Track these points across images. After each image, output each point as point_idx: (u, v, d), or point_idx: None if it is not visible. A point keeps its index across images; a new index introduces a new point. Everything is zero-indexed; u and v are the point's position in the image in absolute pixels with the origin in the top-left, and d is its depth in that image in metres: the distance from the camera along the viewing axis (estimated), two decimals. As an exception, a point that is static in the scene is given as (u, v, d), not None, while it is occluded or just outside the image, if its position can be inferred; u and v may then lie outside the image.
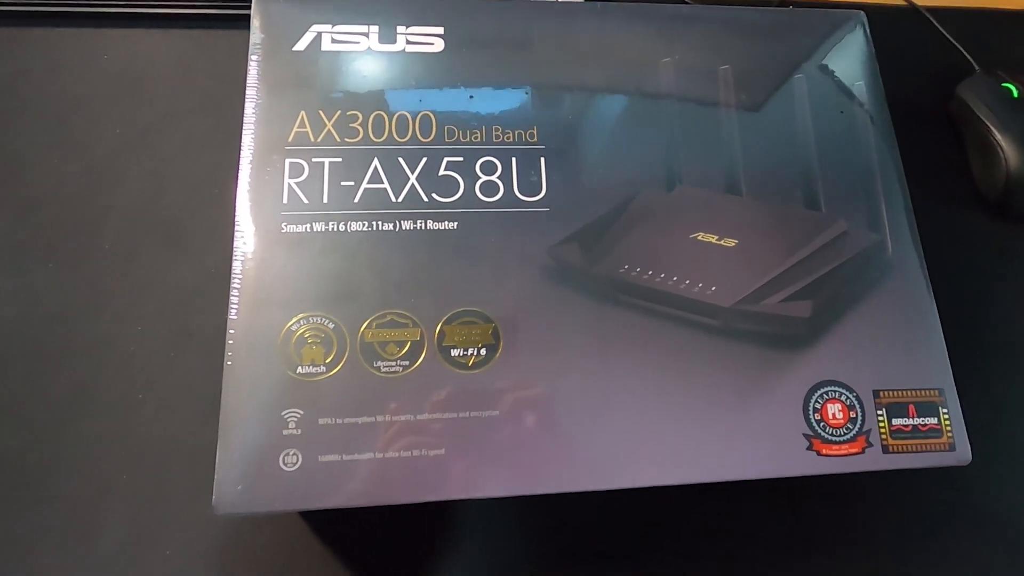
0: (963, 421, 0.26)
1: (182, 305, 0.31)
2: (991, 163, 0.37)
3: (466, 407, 0.23)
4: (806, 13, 0.31)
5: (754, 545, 0.29)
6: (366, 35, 0.27)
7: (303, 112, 0.26)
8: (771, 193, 0.28)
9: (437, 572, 0.27)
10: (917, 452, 0.25)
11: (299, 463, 0.22)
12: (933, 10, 0.42)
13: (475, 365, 0.24)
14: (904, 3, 0.43)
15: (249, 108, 0.26)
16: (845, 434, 0.25)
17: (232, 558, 0.27)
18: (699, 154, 0.28)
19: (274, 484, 0.22)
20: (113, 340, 0.30)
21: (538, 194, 0.26)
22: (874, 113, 0.30)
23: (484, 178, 0.26)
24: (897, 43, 0.41)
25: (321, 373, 0.23)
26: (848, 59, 0.30)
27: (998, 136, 0.37)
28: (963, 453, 0.26)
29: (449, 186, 0.26)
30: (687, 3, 0.38)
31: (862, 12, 0.31)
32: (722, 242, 0.27)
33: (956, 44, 0.41)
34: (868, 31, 0.31)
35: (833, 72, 0.30)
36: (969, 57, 0.40)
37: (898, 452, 0.25)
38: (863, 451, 0.25)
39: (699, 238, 0.27)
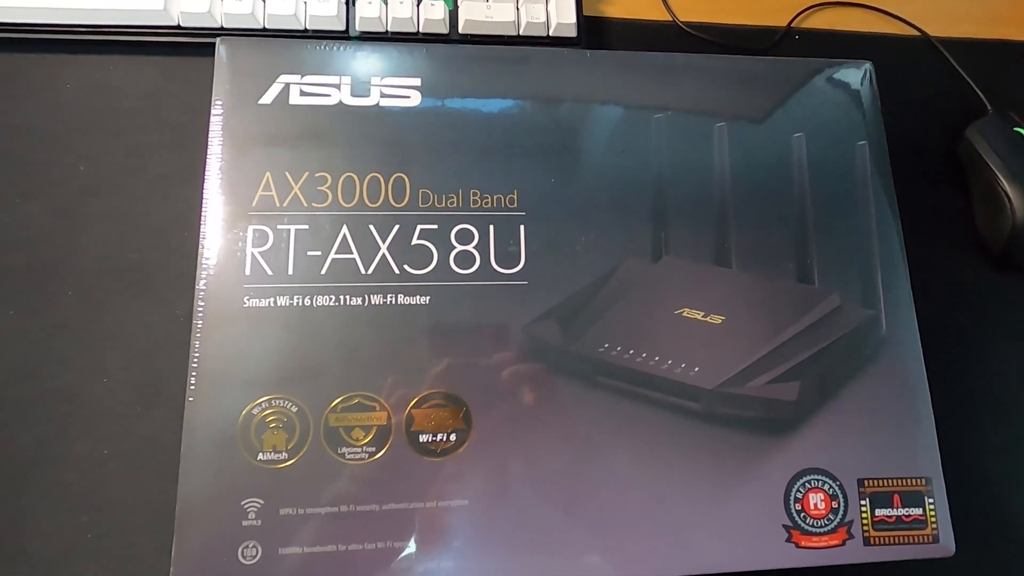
0: (948, 511, 0.25)
1: (149, 356, 0.30)
2: (996, 212, 0.36)
3: (434, 496, 0.23)
4: (808, 63, 0.29)
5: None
6: (337, 87, 0.26)
7: (268, 174, 0.25)
8: (762, 265, 0.26)
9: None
10: (899, 544, 0.25)
11: (259, 556, 0.22)
12: (948, 41, 0.40)
13: (444, 452, 0.23)
14: (917, 34, 0.41)
15: (212, 167, 0.24)
16: (826, 525, 0.24)
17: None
18: (688, 222, 0.26)
19: (232, 578, 0.22)
20: (78, 393, 0.29)
21: (516, 265, 0.25)
22: (876, 176, 0.28)
23: (459, 248, 0.25)
24: (908, 77, 0.39)
25: (283, 460, 0.22)
26: (852, 115, 0.29)
27: (1005, 184, 0.35)
28: (947, 544, 0.25)
29: (422, 257, 0.25)
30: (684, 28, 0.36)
31: (869, 62, 0.30)
32: (708, 319, 0.26)
33: (969, 80, 0.39)
34: (875, 82, 0.29)
35: (835, 130, 0.28)
36: (982, 96, 0.38)
37: (880, 544, 0.24)
38: (843, 543, 0.24)
39: (684, 314, 0.26)
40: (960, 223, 0.38)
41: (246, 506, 0.22)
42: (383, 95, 0.26)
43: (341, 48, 0.26)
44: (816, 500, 0.24)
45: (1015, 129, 0.37)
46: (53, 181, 0.32)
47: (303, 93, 0.25)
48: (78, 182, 0.32)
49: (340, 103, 0.26)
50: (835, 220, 0.27)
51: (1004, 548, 0.30)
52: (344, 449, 0.23)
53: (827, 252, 0.27)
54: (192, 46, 0.34)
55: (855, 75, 0.29)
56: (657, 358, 0.25)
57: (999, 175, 0.36)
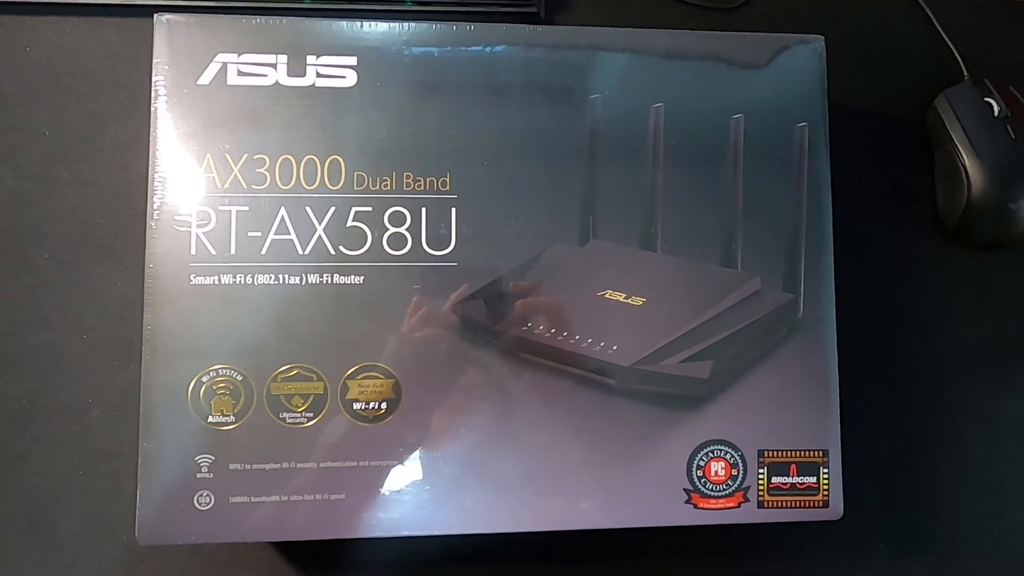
0: (841, 480, 0.27)
1: (122, 315, 0.33)
2: (954, 186, 0.35)
3: (366, 456, 0.25)
4: (754, 39, 0.28)
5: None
6: (274, 66, 0.26)
7: (209, 155, 0.26)
8: (687, 249, 0.27)
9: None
10: (791, 508, 0.27)
11: (212, 503, 0.25)
12: (933, 0, 0.38)
13: (376, 418, 0.26)
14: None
15: (154, 148, 0.26)
16: (724, 490, 0.27)
17: (176, 551, 0.31)
18: (617, 206, 0.27)
19: (189, 521, 0.25)
20: (61, 349, 0.32)
21: (447, 248, 0.26)
22: (813, 159, 0.28)
23: (392, 230, 0.26)
24: (890, 38, 0.37)
25: (231, 423, 0.25)
26: (797, 94, 0.28)
27: (964, 159, 0.34)
28: (835, 510, 0.27)
29: (356, 238, 0.26)
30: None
31: (821, 39, 0.29)
32: (630, 300, 0.27)
33: (950, 44, 0.37)
34: (824, 60, 0.29)
35: (777, 111, 0.28)
36: (960, 61, 0.37)
37: (772, 508, 0.27)
38: (739, 506, 0.27)
39: (607, 296, 0.27)
40: (925, 195, 0.37)
41: (199, 461, 0.25)
42: (319, 75, 0.26)
43: (278, 22, 0.26)
44: (717, 468, 0.27)
45: (986, 99, 0.36)
46: (19, 147, 0.33)
47: (240, 73, 0.26)
48: (45, 147, 0.34)
49: (276, 83, 0.26)
50: (766, 204, 0.28)
51: (889, 512, 0.32)
52: (285, 414, 0.25)
53: (754, 236, 0.28)
54: (154, 7, 0.34)
55: (804, 53, 0.28)
56: (578, 337, 0.26)
57: (960, 148, 0.35)
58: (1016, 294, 0.36)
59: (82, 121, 0.34)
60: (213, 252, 0.25)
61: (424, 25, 0.27)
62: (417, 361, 0.26)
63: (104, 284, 0.33)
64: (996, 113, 0.35)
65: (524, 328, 0.26)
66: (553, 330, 0.26)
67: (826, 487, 0.27)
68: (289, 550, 0.31)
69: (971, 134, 0.35)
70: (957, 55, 0.37)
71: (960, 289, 0.36)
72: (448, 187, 0.27)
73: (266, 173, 0.26)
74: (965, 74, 0.37)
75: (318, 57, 0.26)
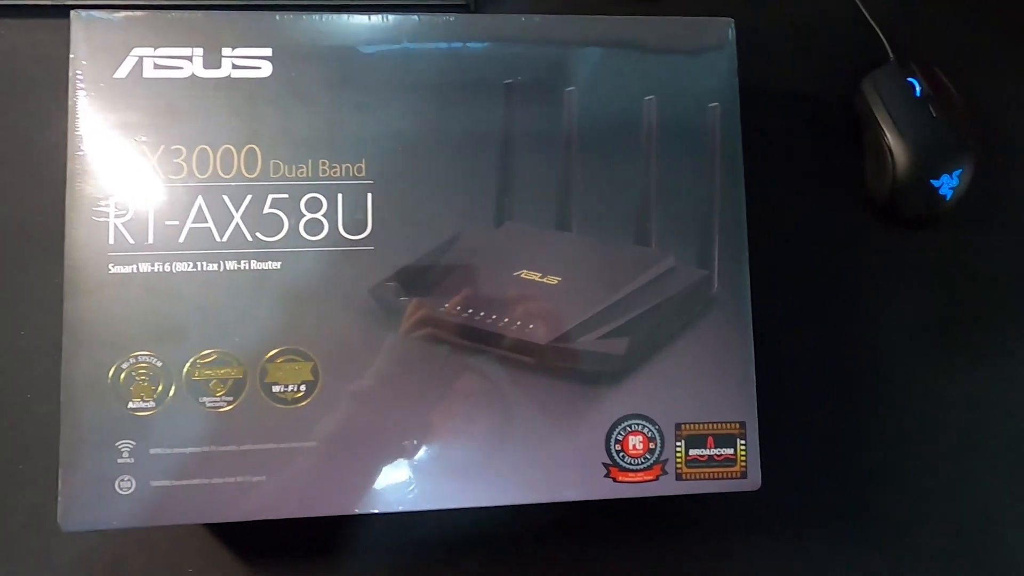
0: (759, 451, 0.28)
1: (60, 312, 0.33)
2: (881, 166, 0.36)
3: (286, 438, 0.26)
4: (665, 23, 0.29)
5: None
6: (190, 59, 0.26)
7: (126, 147, 0.26)
8: (602, 229, 0.28)
9: None
10: (709, 480, 0.28)
11: (133, 488, 0.25)
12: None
13: (295, 400, 0.26)
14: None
15: (72, 141, 0.26)
16: (642, 463, 0.27)
17: (123, 540, 0.31)
18: (533, 188, 0.28)
19: (111, 506, 0.25)
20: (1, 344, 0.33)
21: (363, 232, 0.27)
22: (725, 138, 0.29)
23: (308, 216, 0.27)
24: (818, 21, 0.38)
25: (151, 408, 0.25)
26: (708, 76, 0.29)
27: (889, 139, 0.35)
28: (754, 480, 0.28)
29: (273, 225, 0.26)
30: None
31: (731, 20, 0.29)
32: (545, 280, 0.27)
33: (874, 25, 0.38)
34: (735, 41, 0.29)
35: (688, 92, 0.29)
36: (885, 42, 0.37)
37: (691, 480, 0.27)
38: (657, 478, 0.27)
39: (522, 276, 0.27)
40: (854, 176, 0.38)
41: (120, 447, 0.25)
42: (235, 66, 0.27)
43: (193, 16, 0.27)
44: (635, 442, 0.27)
45: (909, 80, 0.36)
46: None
47: (156, 66, 0.26)
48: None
49: (192, 75, 0.26)
50: (679, 183, 0.28)
51: (806, 484, 0.33)
52: (205, 399, 0.26)
53: (667, 215, 0.28)
54: (67, 6, 0.34)
55: (714, 35, 0.29)
56: (495, 316, 0.27)
57: (884, 129, 0.36)
58: (947, 271, 0.37)
59: (22, 120, 0.34)
60: (132, 241, 0.26)
61: (338, 16, 0.28)
62: (335, 344, 0.26)
63: (42, 279, 0.33)
64: (918, 93, 0.36)
65: (442, 310, 0.27)
66: (470, 310, 0.27)
67: (743, 458, 0.28)
68: (229, 534, 0.31)
69: (894, 114, 0.36)
70: (882, 37, 0.38)
71: (893, 267, 0.37)
72: (364, 173, 0.27)
73: (183, 163, 0.26)
74: (890, 56, 0.38)
75: (233, 49, 0.27)
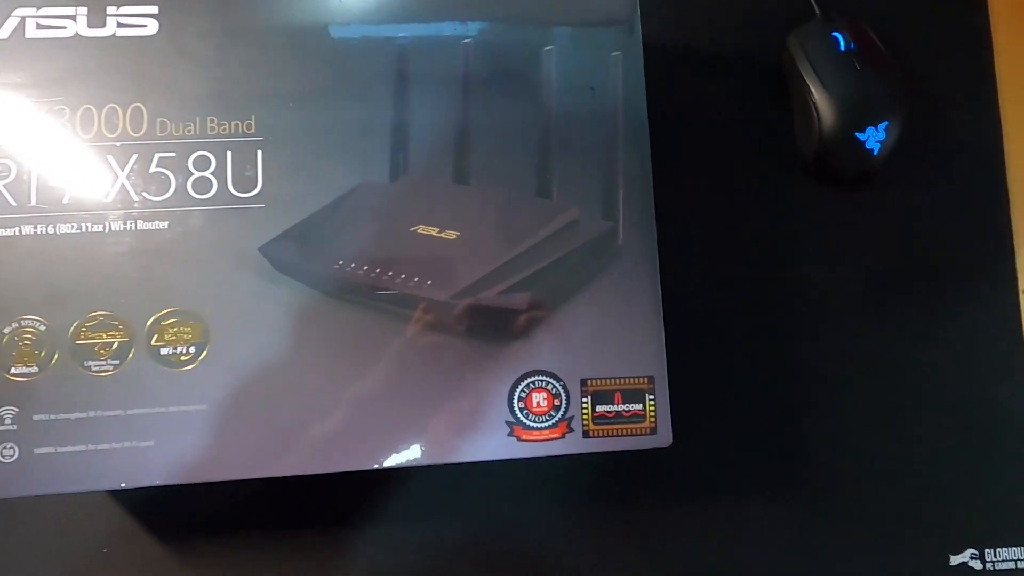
0: (668, 406, 0.27)
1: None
2: (808, 122, 0.35)
3: (174, 402, 0.25)
4: (565, -27, 0.28)
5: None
6: (73, 18, 0.26)
7: (8, 108, 0.26)
8: (501, 181, 0.27)
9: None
10: (618, 436, 0.27)
11: (16, 455, 0.24)
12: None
13: (184, 363, 0.25)
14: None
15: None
16: (547, 421, 0.27)
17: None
18: (429, 141, 0.27)
19: (-6, 474, 0.24)
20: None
21: (253, 189, 0.26)
22: (627, 87, 0.28)
23: (197, 174, 0.26)
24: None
25: (34, 374, 0.25)
26: (609, 24, 0.28)
27: (815, 95, 0.34)
28: (664, 436, 0.27)
29: (160, 184, 0.26)
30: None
31: (631, -32, 0.29)
32: (443, 234, 0.27)
33: (799, -20, 0.37)
34: (637, -10, 0.29)
35: (589, 41, 0.28)
36: (811, -1, 0.37)
37: (598, 436, 0.27)
38: (563, 436, 0.27)
39: (419, 231, 0.27)
40: (785, 136, 0.37)
41: (2, 414, 0.24)
42: (119, 24, 0.26)
43: (80, -23, 0.27)
44: (539, 399, 0.26)
45: (834, 34, 0.36)
46: None
47: (39, 26, 0.26)
48: None
49: (76, 35, 0.26)
50: (581, 134, 0.28)
51: (717, 440, 0.32)
52: (90, 363, 0.25)
53: (569, 167, 0.27)
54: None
55: (614, -17, 0.29)
56: (391, 273, 0.26)
57: (809, 84, 0.35)
58: (879, 231, 0.36)
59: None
60: (14, 203, 0.25)
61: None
62: (226, 304, 0.26)
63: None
64: (842, 47, 0.35)
65: (336, 266, 0.26)
66: (366, 267, 0.26)
67: (653, 414, 0.27)
68: (130, 502, 0.30)
69: (818, 69, 0.35)
70: (807, -7, 0.37)
71: (824, 227, 0.36)
72: (253, 129, 0.26)
73: (67, 124, 0.26)
74: (816, 11, 0.37)
75: (118, 8, 0.26)
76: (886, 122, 0.34)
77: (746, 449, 0.32)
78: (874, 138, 0.34)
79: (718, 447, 0.32)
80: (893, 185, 0.36)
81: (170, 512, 0.30)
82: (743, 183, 0.36)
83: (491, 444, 0.26)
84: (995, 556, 0.34)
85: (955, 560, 0.34)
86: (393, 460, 0.26)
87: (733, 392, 0.33)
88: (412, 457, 0.26)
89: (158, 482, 0.25)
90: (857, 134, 0.34)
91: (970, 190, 0.37)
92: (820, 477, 0.33)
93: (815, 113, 0.35)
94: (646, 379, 0.27)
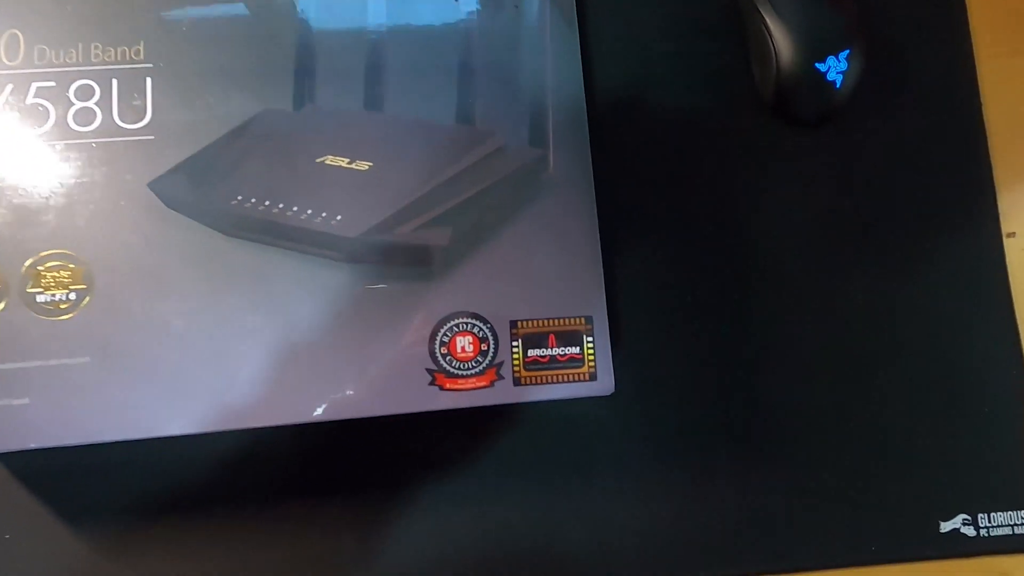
0: (610, 350, 0.24)
1: None
2: (765, 57, 0.33)
3: (53, 354, 0.23)
4: None
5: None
6: (-56, -59, 0.24)
7: None
8: (418, 107, 0.25)
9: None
10: (553, 383, 0.24)
11: None
12: None
13: (63, 311, 0.23)
14: None
15: None
16: (473, 367, 0.24)
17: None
18: (338, 68, 0.25)
19: None
20: None
21: (141, 120, 0.24)
22: (556, 11, 0.26)
23: (79, 105, 0.24)
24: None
25: None
26: (535, -60, 0.26)
27: (770, 25, 0.32)
28: (605, 383, 0.24)
29: (38, 116, 0.24)
30: None
31: None
32: (354, 165, 0.25)
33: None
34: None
35: (513, -42, 0.26)
36: (765, -71, 0.35)
37: (531, 384, 0.24)
38: (492, 384, 0.24)
39: (327, 162, 0.24)
40: (743, 74, 0.35)
41: None
42: (-6, -54, 0.24)
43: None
44: (464, 344, 0.24)
45: (788, -39, 0.34)
46: None
47: (-94, -50, 0.24)
48: None
49: (-54, -43, 0.24)
50: (505, 56, 0.25)
51: (661, 389, 0.28)
52: (-42, 312, 0.23)
53: (493, 90, 0.25)
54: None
55: None
56: (295, 208, 0.24)
57: (764, 15, 0.33)
58: (844, 171, 0.33)
59: None
60: None
61: None
62: (111, 246, 0.23)
63: None
64: (799, -23, 0.33)
65: (234, 202, 0.24)
66: (267, 203, 0.24)
67: (591, 358, 0.24)
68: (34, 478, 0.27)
69: (775, 3, 0.33)
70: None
71: (786, 168, 0.33)
72: (142, 56, 0.24)
73: (-65, 53, 0.24)
74: (771, -56, 0.35)
75: (-7, -71, 0.25)
76: (847, 50, 0.32)
77: (705, 403, 0.29)
78: (835, 69, 0.32)
79: (670, 399, 0.28)
80: (859, 123, 0.33)
81: (79, 490, 0.27)
82: (695, 122, 0.33)
83: (410, 395, 0.23)
84: (989, 521, 0.31)
85: (946, 527, 0.31)
86: (298, 415, 0.23)
87: (687, 340, 0.30)
88: (318, 413, 0.23)
89: (32, 445, 0.22)
90: (817, 64, 0.32)
91: (943, 126, 0.34)
92: (788, 437, 0.30)
93: (771, 45, 0.33)
94: (582, 319, 0.24)
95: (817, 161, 0.33)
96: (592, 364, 0.24)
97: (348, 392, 0.23)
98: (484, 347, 0.24)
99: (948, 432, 0.31)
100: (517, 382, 0.24)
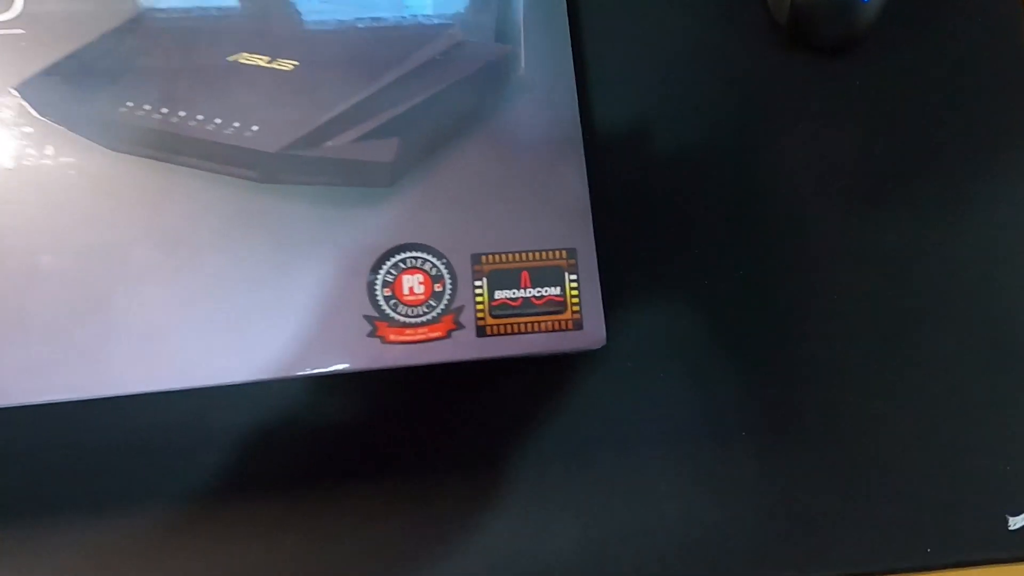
0: (600, 291, 0.20)
1: None
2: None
3: None
4: None
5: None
6: None
7: None
8: (357, -5, 0.21)
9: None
10: (527, 333, 0.19)
11: None
12: None
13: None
14: None
15: None
16: (426, 314, 0.19)
17: None
18: (256, -54, 0.21)
19: None
20: None
21: (8, 11, 0.20)
22: None
23: (-71, -9, 0.20)
24: None
25: None
26: None
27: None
28: (594, 334, 0.19)
29: None
30: None
31: None
32: (275, 64, 0.20)
33: None
34: None
35: None
36: None
37: (500, 334, 0.19)
38: (448, 335, 0.19)
39: (241, 61, 0.20)
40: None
41: None
42: None
43: None
44: (412, 283, 0.19)
45: None
46: None
47: None
48: None
49: None
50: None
51: (665, 345, 0.23)
52: None
53: (450, -24, 0.21)
54: None
55: None
56: (200, 117, 0.19)
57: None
58: (872, 105, 0.29)
59: None
60: None
61: None
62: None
63: None
64: None
65: (123, 110, 0.19)
66: (164, 110, 0.19)
67: (575, 300, 0.19)
68: None
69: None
70: None
71: (807, 101, 0.29)
72: (12, -66, 0.20)
73: None
74: None
75: None
76: (876, -43, 0.28)
77: (722, 367, 0.23)
78: (862, -20, 0.28)
79: (677, 359, 0.23)
80: (888, 49, 0.29)
81: None
82: (700, 48, 0.29)
83: (343, 350, 0.19)
84: (1067, 516, 0.26)
85: (1016, 523, 0.26)
86: (207, 377, 0.18)
87: (695, 288, 0.24)
88: (234, 372, 0.18)
89: None
90: (840, -24, 0.28)
91: (986, 52, 0.29)
92: (823, 418, 0.25)
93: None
94: (563, 252, 0.20)
95: (841, 94, 0.29)
96: (576, 309, 0.19)
97: (264, 349, 0.18)
98: (438, 288, 0.19)
99: (1005, 405, 0.25)
100: (481, 332, 0.19)
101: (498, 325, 0.19)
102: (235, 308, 0.18)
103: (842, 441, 0.24)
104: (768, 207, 0.26)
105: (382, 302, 0.19)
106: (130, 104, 0.19)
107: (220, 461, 0.21)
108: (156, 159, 0.19)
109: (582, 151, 0.20)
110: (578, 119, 0.20)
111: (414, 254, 0.19)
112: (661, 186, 0.25)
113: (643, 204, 0.25)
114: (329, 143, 0.19)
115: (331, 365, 0.18)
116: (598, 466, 0.22)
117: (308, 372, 0.18)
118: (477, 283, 0.19)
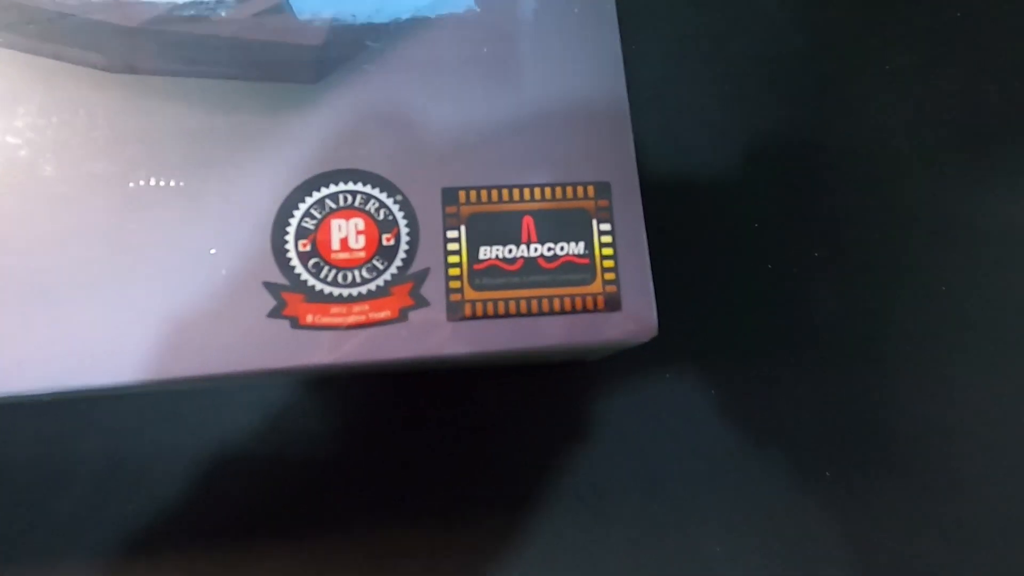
0: (648, 250, 0.13)
1: None
2: None
3: None
4: None
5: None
6: None
7: None
8: None
9: None
10: (530, 315, 0.13)
11: None
12: None
13: None
14: None
15: None
16: (366, 282, 0.12)
17: None
18: None
19: None
20: None
21: None
22: None
23: None
24: None
25: None
26: None
27: None
28: (640, 317, 0.12)
29: None
30: None
31: None
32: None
33: None
34: None
35: None
36: None
37: (483, 317, 0.12)
38: (402, 316, 0.12)
39: None
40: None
41: None
42: None
43: None
44: (346, 232, 0.12)
45: None
46: None
47: None
48: None
49: None
50: None
51: (706, 327, 0.16)
52: None
53: None
54: None
55: None
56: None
57: None
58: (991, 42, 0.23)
59: None
60: None
61: None
62: None
63: None
64: None
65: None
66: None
67: (610, 263, 0.13)
68: None
69: None
70: None
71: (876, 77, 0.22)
72: None
73: None
74: None
75: None
76: None
77: (797, 379, 0.16)
78: None
79: (746, 356, 0.16)
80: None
81: None
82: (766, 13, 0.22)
83: (231, 341, 0.12)
84: None
85: None
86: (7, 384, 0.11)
87: (759, 264, 0.17)
88: (66, 378, 0.11)
89: None
90: None
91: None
92: (929, 441, 0.18)
93: None
94: (591, 189, 0.13)
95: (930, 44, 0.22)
96: (611, 278, 0.12)
97: (120, 337, 0.12)
98: (388, 241, 0.12)
99: None
100: (455, 311, 0.12)
101: (483, 302, 0.12)
102: (86, 272, 0.11)
103: (958, 482, 0.16)
104: (840, 163, 0.19)
105: (295, 262, 0.12)
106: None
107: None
108: (14, 46, 0.12)
109: (618, 40, 0.13)
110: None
111: (349, 186, 0.12)
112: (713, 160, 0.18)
113: (692, 178, 0.18)
114: (224, 15, 0.13)
115: (213, 367, 0.11)
116: (624, 519, 0.15)
117: (165, 377, 0.11)
118: (451, 234, 0.12)
